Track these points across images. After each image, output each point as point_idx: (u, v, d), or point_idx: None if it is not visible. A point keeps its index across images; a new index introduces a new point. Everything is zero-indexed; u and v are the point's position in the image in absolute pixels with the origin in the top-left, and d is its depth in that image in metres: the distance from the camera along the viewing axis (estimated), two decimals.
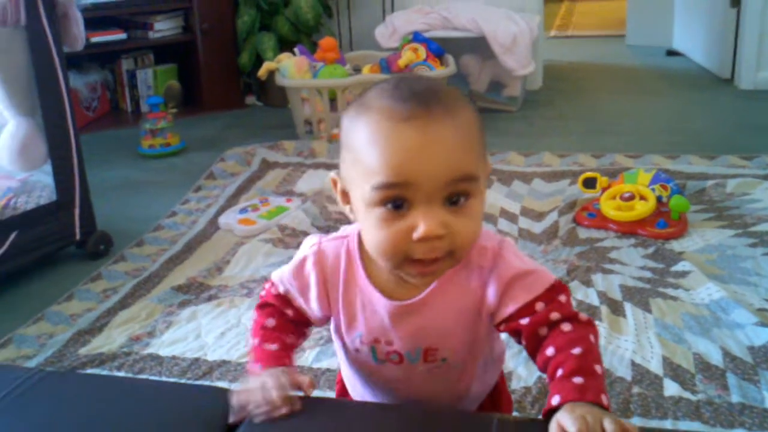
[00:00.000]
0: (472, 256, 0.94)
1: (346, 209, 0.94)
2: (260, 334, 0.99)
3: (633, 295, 1.92)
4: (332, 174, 0.96)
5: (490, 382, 1.13)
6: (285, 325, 1.01)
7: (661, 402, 1.52)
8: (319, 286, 0.99)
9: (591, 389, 0.83)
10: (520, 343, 0.95)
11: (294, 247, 2.33)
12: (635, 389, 1.56)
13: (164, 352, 1.81)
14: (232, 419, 0.88)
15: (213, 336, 1.86)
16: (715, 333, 1.74)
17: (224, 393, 0.92)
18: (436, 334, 0.96)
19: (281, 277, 1.03)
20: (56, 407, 0.90)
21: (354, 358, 1.04)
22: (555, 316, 0.91)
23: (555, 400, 0.83)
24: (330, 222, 2.50)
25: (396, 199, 0.83)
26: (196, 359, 1.77)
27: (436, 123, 0.82)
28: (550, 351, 0.89)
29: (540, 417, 0.85)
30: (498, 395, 1.17)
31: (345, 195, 0.93)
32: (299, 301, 1.02)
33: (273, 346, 0.97)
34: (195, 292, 2.09)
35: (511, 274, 0.93)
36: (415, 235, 0.83)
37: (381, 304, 0.95)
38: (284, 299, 1.03)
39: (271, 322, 1.01)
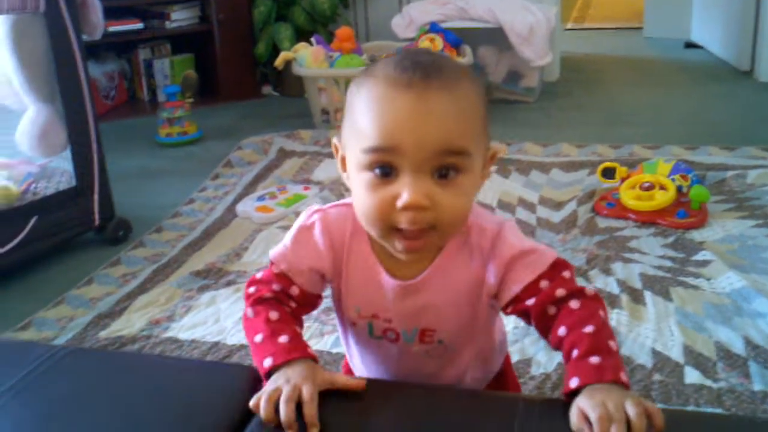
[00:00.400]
0: (471, 237, 0.94)
1: (344, 176, 0.95)
2: (265, 328, 0.90)
3: (653, 283, 1.91)
4: (334, 139, 0.96)
5: (493, 369, 1.13)
6: (289, 317, 0.94)
7: (682, 389, 1.52)
8: (327, 252, 0.97)
9: (609, 368, 0.82)
10: (530, 324, 0.94)
11: None
12: (656, 376, 1.55)
13: (184, 335, 1.81)
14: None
15: (232, 321, 1.86)
16: (737, 322, 1.73)
17: (247, 371, 0.92)
18: (435, 315, 0.97)
19: (281, 254, 0.98)
20: (80, 383, 0.90)
21: (351, 332, 1.04)
22: (561, 292, 0.90)
23: (573, 383, 0.82)
24: None
25: (384, 165, 0.84)
26: (216, 343, 1.77)
27: (432, 93, 0.83)
28: (561, 331, 0.89)
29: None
30: (504, 381, 1.16)
31: (343, 161, 0.94)
32: (300, 279, 0.97)
33: (285, 338, 0.89)
34: (214, 277, 2.09)
35: (512, 254, 0.93)
36: (399, 202, 0.83)
37: (385, 281, 0.95)
38: (286, 278, 0.97)
39: (274, 314, 0.92)
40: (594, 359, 0.83)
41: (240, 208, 2.57)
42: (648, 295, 1.86)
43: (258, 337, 0.90)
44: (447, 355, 1.01)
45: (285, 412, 0.79)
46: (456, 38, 3.53)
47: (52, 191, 2.27)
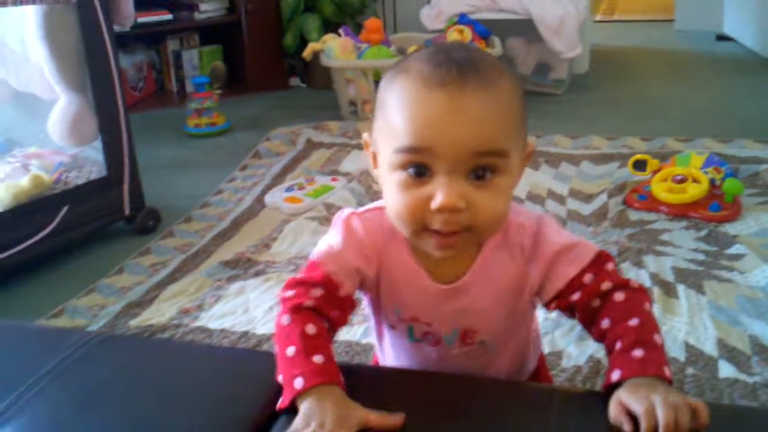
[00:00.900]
0: (510, 235, 0.92)
1: (375, 173, 0.92)
2: (300, 343, 0.84)
3: (686, 277, 1.88)
4: (365, 135, 0.94)
5: (529, 367, 1.10)
6: (326, 332, 0.88)
7: (715, 383, 1.49)
8: (371, 254, 0.93)
9: (653, 362, 0.81)
10: (573, 317, 0.93)
11: None
12: (689, 370, 1.53)
13: (213, 325, 1.82)
14: None
15: (261, 310, 1.86)
16: None
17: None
18: (478, 316, 0.95)
19: (328, 253, 0.92)
20: (115, 369, 0.90)
21: (390, 335, 1.01)
22: (606, 285, 0.89)
23: (615, 375, 0.80)
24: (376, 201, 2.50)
25: (418, 165, 0.81)
26: (245, 332, 1.78)
27: (468, 92, 0.80)
28: (605, 323, 0.87)
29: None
30: (537, 378, 1.15)
31: (375, 158, 0.91)
32: (348, 282, 0.91)
33: (320, 359, 0.83)
34: (243, 267, 2.10)
35: (554, 250, 0.91)
36: (433, 204, 0.80)
37: (427, 285, 0.92)
38: (332, 281, 0.90)
39: (311, 328, 0.86)
40: (637, 352, 0.81)
41: (268, 198, 2.58)
42: (681, 289, 1.83)
43: (290, 350, 0.84)
44: (487, 356, 0.99)
45: None
46: (485, 30, 3.51)
47: (83, 181, 2.29)
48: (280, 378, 0.84)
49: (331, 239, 0.94)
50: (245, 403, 0.85)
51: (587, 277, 0.90)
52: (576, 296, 0.90)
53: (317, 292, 0.89)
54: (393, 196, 0.84)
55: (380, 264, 0.93)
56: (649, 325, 0.85)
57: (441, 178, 0.80)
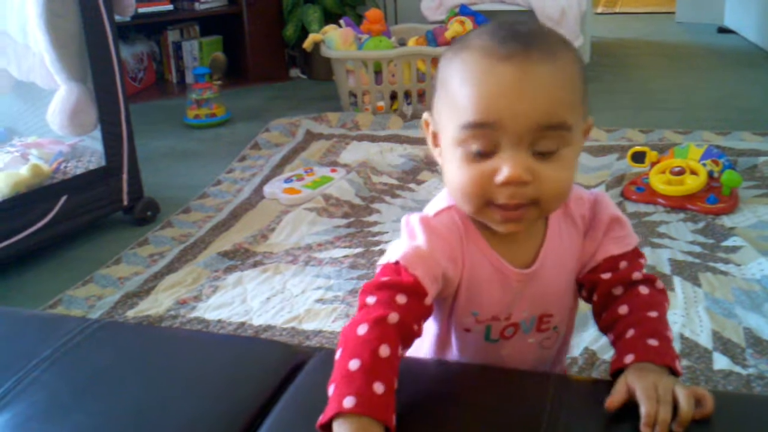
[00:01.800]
0: (570, 208, 0.93)
1: (435, 152, 0.91)
2: (368, 361, 0.76)
3: (682, 269, 1.89)
4: (425, 115, 0.93)
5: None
6: (396, 359, 0.79)
7: (710, 375, 1.50)
8: (456, 256, 0.88)
9: (666, 353, 0.82)
10: (588, 299, 0.94)
11: (338, 216, 2.34)
12: (684, 362, 1.54)
13: (210, 315, 1.83)
14: None
15: (258, 301, 1.87)
16: (767, 308, 1.70)
17: (279, 346, 0.92)
18: (553, 297, 0.95)
19: (415, 255, 0.85)
20: (114, 355, 0.91)
21: (460, 340, 0.95)
22: (637, 276, 0.91)
23: (628, 359, 0.82)
24: (374, 193, 2.51)
25: (483, 138, 0.80)
26: (242, 323, 1.78)
27: (534, 64, 0.79)
28: (623, 309, 0.88)
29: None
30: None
31: (435, 137, 0.90)
32: (433, 287, 0.85)
33: (381, 388, 0.74)
34: (241, 257, 2.10)
35: (610, 217, 0.93)
36: (498, 178, 0.80)
37: (507, 273, 0.90)
38: (420, 286, 0.83)
39: (385, 350, 0.77)
40: (652, 341, 0.83)
41: (267, 189, 2.58)
42: (677, 281, 1.84)
43: (354, 364, 0.76)
44: (557, 341, 1.00)
45: None
46: (486, 21, 3.50)
47: (82, 170, 2.30)
48: (331, 388, 0.75)
49: (414, 241, 0.87)
50: (246, 390, 0.85)
51: (623, 264, 0.92)
52: (606, 276, 0.91)
53: (402, 299, 0.81)
54: (457, 172, 0.83)
55: (464, 265, 0.89)
56: (666, 321, 0.88)
57: (506, 151, 0.80)
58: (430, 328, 0.96)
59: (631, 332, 0.85)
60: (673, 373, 0.81)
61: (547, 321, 0.95)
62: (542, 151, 0.80)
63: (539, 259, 0.91)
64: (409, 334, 0.81)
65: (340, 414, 0.72)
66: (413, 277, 0.82)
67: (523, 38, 0.81)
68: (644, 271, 0.93)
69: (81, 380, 0.87)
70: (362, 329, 0.78)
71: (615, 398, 0.78)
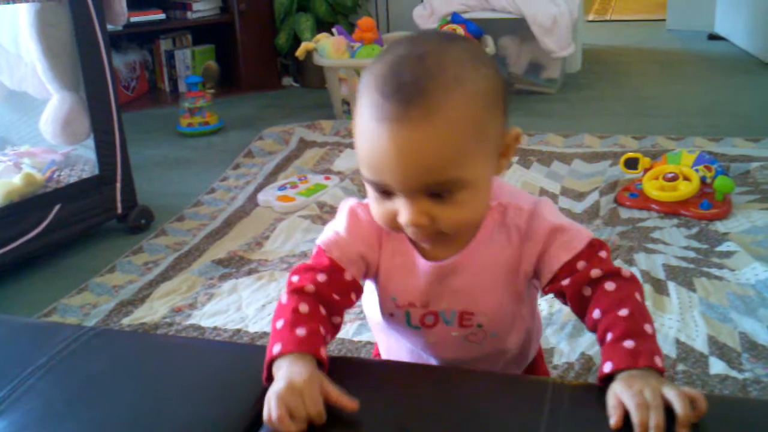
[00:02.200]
0: (508, 218, 0.94)
1: None
2: (289, 317, 0.86)
3: (677, 274, 1.89)
4: None
5: (529, 356, 1.12)
6: (319, 315, 0.89)
7: (706, 380, 1.50)
8: (375, 242, 0.96)
9: (643, 353, 0.81)
10: (566, 304, 0.94)
11: None
12: (680, 366, 1.54)
13: (206, 323, 1.82)
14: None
15: (254, 308, 1.87)
16: (762, 313, 1.71)
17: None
18: (472, 296, 0.96)
19: (333, 241, 0.95)
20: (110, 363, 0.90)
21: (388, 324, 1.03)
22: (596, 273, 0.89)
23: (607, 367, 0.81)
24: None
25: (381, 187, 0.84)
26: (238, 330, 1.78)
27: (413, 127, 0.79)
28: (596, 313, 0.88)
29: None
30: (535, 370, 1.15)
31: None
32: (352, 267, 0.94)
33: (303, 331, 0.84)
34: (235, 265, 2.10)
35: (548, 228, 0.92)
36: (399, 219, 0.84)
37: (420, 264, 0.95)
38: (337, 266, 0.93)
39: (304, 307, 0.87)
40: (628, 343, 0.82)
41: (261, 197, 2.58)
42: (671, 286, 1.84)
43: (279, 323, 0.86)
44: (488, 341, 1.00)
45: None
46: (478, 29, 3.51)
47: (75, 179, 2.29)
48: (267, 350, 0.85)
49: (336, 226, 0.97)
50: (240, 396, 0.85)
51: (580, 264, 0.91)
52: (567, 282, 0.91)
53: (322, 277, 0.91)
54: (372, 204, 0.90)
55: (381, 251, 0.96)
56: (639, 315, 0.85)
57: (401, 199, 0.83)
58: (374, 316, 1.04)
59: (608, 336, 0.84)
60: (658, 370, 0.80)
61: (468, 318, 0.97)
62: (438, 193, 0.82)
63: (455, 257, 0.93)
64: (329, 300, 0.90)
65: (272, 361, 0.83)
66: (329, 259, 0.93)
67: (406, 92, 0.79)
68: (607, 260, 0.91)
69: (76, 388, 0.86)
70: (284, 299, 0.90)
71: (616, 419, 0.76)
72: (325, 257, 0.94)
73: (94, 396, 0.85)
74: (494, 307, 0.97)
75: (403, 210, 0.83)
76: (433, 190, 0.82)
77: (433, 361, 1.05)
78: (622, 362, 0.80)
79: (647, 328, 0.84)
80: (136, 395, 0.84)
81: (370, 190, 0.87)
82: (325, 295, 0.90)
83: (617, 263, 1.94)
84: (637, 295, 0.88)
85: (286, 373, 0.80)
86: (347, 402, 0.79)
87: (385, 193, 0.84)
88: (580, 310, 0.91)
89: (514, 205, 0.94)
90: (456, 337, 0.99)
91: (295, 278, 0.93)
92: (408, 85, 0.79)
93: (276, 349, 0.83)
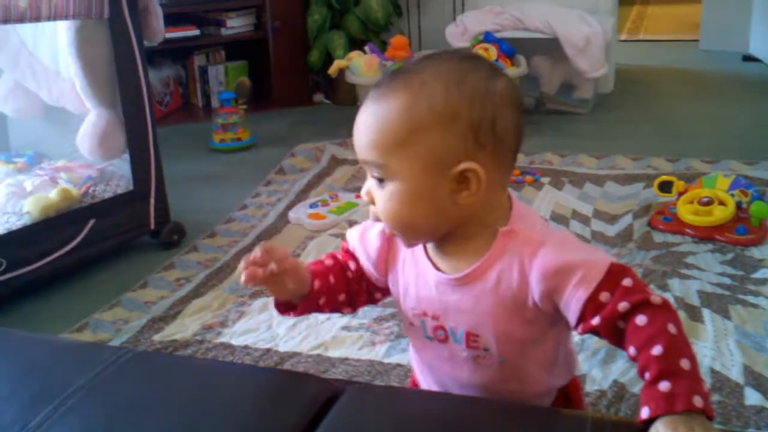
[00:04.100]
0: (517, 245, 0.92)
1: None
2: (313, 263, 1.05)
3: (712, 301, 1.87)
4: None
5: (554, 384, 1.08)
6: (338, 271, 1.05)
7: (741, 411, 1.48)
8: (390, 247, 1.02)
9: (680, 395, 0.77)
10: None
11: None
12: (715, 397, 1.52)
13: (236, 341, 1.83)
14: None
15: (284, 327, 1.87)
16: None
17: (316, 382, 0.92)
18: (476, 318, 0.95)
19: (356, 232, 1.07)
20: (148, 387, 0.91)
21: (410, 334, 1.07)
22: (624, 306, 0.84)
23: (645, 413, 0.78)
24: None
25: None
26: (268, 350, 1.78)
27: (369, 104, 0.91)
28: (632, 351, 0.84)
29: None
30: (570, 402, 1.13)
31: None
32: (363, 260, 1.05)
33: (312, 267, 1.03)
34: None
35: (553, 270, 0.89)
36: None
37: (430, 275, 0.97)
38: (352, 255, 1.06)
39: (328, 261, 1.06)
40: (664, 385, 0.79)
41: (292, 214, 2.59)
42: (706, 313, 1.82)
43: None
44: (499, 367, 0.98)
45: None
46: (510, 48, 3.51)
47: (110, 195, 2.32)
48: None
49: (367, 222, 1.06)
50: (279, 423, 0.85)
51: (603, 296, 0.86)
52: (596, 321, 0.86)
53: (340, 257, 1.07)
54: None
55: (400, 260, 1.02)
56: (674, 351, 0.81)
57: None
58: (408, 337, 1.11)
59: (646, 376, 0.81)
60: (698, 411, 0.77)
61: (474, 339, 0.97)
62: (378, 177, 0.91)
63: (462, 274, 0.95)
64: (344, 274, 1.06)
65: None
66: (349, 247, 1.07)
67: (386, 81, 0.91)
68: (638, 285, 0.87)
69: (115, 410, 0.87)
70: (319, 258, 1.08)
71: None
72: (345, 242, 1.08)
73: (133, 419, 0.85)
74: (498, 333, 0.96)
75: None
76: (374, 172, 0.91)
77: (450, 378, 1.04)
78: (659, 408, 0.77)
79: (683, 364, 0.80)
80: (173, 420, 0.85)
81: None
82: (343, 266, 1.06)
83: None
84: (671, 327, 0.83)
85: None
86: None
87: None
88: (620, 343, 0.88)
89: (525, 234, 0.92)
90: (466, 357, 0.99)
91: (323, 256, 1.09)
92: (392, 76, 0.91)
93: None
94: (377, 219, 0.95)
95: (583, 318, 0.88)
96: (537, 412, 0.88)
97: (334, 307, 1.07)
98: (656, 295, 0.86)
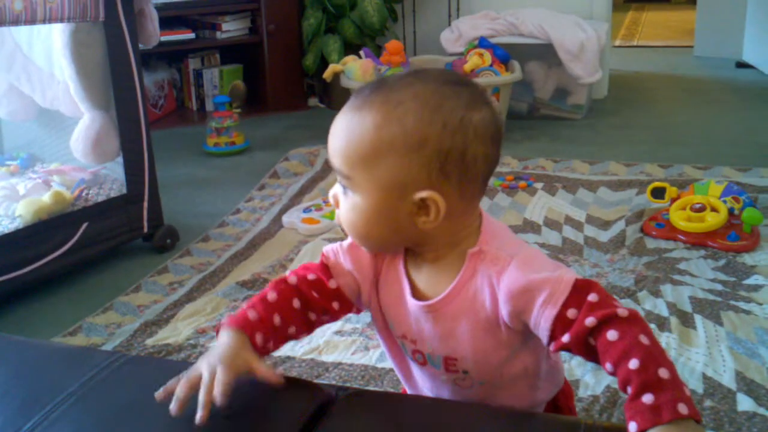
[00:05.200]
0: (486, 266, 0.91)
1: None
2: (255, 300, 0.96)
3: (704, 307, 1.88)
4: None
5: (538, 399, 1.07)
6: (286, 305, 0.96)
7: (734, 417, 1.48)
8: (370, 267, 1.00)
9: (665, 405, 0.76)
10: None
11: None
12: (707, 402, 1.53)
13: None
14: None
15: None
16: None
17: (309, 388, 0.92)
18: (453, 342, 0.95)
19: (333, 249, 1.02)
20: (140, 392, 0.90)
21: (393, 352, 1.06)
22: (591, 322, 0.83)
23: (632, 429, 0.77)
24: None
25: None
26: None
27: (346, 114, 0.90)
28: (609, 367, 0.83)
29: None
30: (554, 411, 1.11)
31: None
32: (341, 278, 0.99)
33: (252, 313, 0.93)
34: (259, 287, 2.10)
35: (519, 289, 0.88)
36: None
37: (407, 299, 0.97)
38: (328, 271, 1.00)
39: (272, 295, 0.96)
40: (647, 398, 0.78)
41: (286, 219, 2.59)
42: (698, 319, 1.83)
43: (248, 305, 0.96)
44: (479, 389, 0.99)
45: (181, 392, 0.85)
46: (505, 53, 3.52)
47: (104, 198, 2.31)
48: None
49: (345, 241, 1.02)
50: (271, 428, 0.85)
51: (571, 313, 0.86)
52: (566, 338, 0.86)
53: (312, 276, 0.99)
54: None
55: (378, 276, 1.00)
56: (651, 362, 0.80)
57: None
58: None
59: (629, 390, 0.80)
60: (684, 418, 0.76)
61: (452, 363, 0.97)
62: (342, 184, 0.92)
63: (437, 299, 0.94)
64: (307, 296, 0.97)
65: (221, 326, 0.94)
66: (322, 262, 1.01)
67: (367, 91, 0.90)
68: (605, 300, 0.86)
69: (107, 415, 0.87)
70: (267, 288, 0.99)
71: None
72: (320, 259, 1.02)
73: (125, 425, 0.85)
74: (475, 355, 0.95)
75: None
76: (341, 180, 0.91)
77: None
78: (646, 421, 0.76)
79: (662, 373, 0.79)
80: (166, 425, 0.84)
81: None
82: (305, 290, 0.98)
83: (643, 294, 1.94)
84: (642, 338, 0.82)
85: (217, 344, 0.92)
86: (273, 377, 0.88)
87: None
88: (594, 358, 0.86)
89: (492, 254, 0.91)
90: (446, 380, 0.99)
91: (287, 272, 1.02)
92: (373, 88, 0.90)
93: (224, 319, 0.94)
94: (341, 223, 0.95)
95: (553, 336, 0.88)
96: (531, 417, 0.88)
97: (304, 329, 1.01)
98: (623, 308, 0.85)
